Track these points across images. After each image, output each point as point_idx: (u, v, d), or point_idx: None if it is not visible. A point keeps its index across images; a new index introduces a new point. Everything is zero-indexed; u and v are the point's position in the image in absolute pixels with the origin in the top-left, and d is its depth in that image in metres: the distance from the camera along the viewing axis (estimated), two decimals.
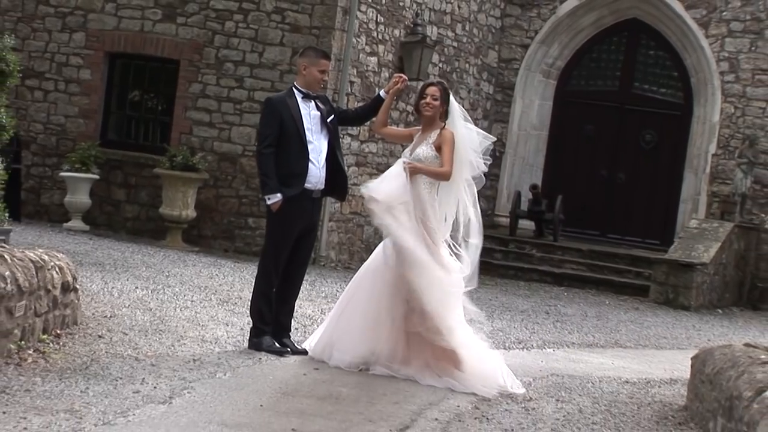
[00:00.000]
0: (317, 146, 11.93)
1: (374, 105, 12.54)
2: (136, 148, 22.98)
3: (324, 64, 12.28)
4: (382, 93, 12.41)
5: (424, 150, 11.82)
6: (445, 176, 11.72)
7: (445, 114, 11.89)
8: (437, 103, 11.85)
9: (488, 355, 11.98)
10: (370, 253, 12.31)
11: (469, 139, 11.97)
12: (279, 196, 11.73)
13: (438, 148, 11.78)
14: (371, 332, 11.54)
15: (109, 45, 23.13)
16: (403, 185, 11.60)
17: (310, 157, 11.85)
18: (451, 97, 12.07)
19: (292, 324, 12.42)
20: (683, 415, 11.17)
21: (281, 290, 12.02)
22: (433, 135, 11.85)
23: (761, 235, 25.53)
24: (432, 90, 11.93)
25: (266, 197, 11.92)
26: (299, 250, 12.05)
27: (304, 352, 11.84)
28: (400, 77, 12.44)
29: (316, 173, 11.91)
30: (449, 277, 11.71)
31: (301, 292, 12.59)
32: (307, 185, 11.84)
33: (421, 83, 13.16)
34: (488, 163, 12.25)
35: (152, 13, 22.78)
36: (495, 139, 12.87)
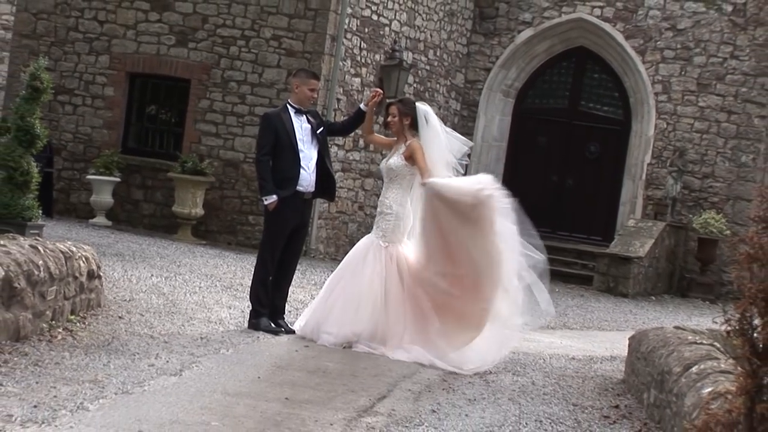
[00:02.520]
0: (308, 154, 11.96)
1: (356, 117, 12.67)
2: (153, 154, 22.97)
3: (313, 83, 12.32)
4: (362, 106, 12.47)
5: (395, 160, 11.90)
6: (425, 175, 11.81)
7: (414, 125, 11.93)
8: (396, 119, 11.95)
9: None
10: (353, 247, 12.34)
11: (436, 144, 11.94)
12: (274, 197, 11.78)
13: (407, 158, 11.82)
14: (354, 315, 11.56)
15: (129, 66, 23.10)
16: None
17: (302, 163, 11.88)
18: (420, 109, 12.02)
19: (286, 307, 12.43)
20: (621, 387, 11.20)
21: (276, 278, 12.04)
22: (403, 147, 11.90)
23: (688, 233, 25.59)
24: (392, 109, 12.11)
25: (263, 198, 11.97)
26: (292, 244, 12.07)
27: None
28: (377, 91, 12.56)
29: (307, 178, 11.94)
30: None
31: (293, 279, 12.60)
32: (299, 188, 11.88)
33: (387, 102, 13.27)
34: (464, 163, 12.28)
35: (167, 39, 22.75)
36: (472, 144, 12.91)
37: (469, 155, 12.68)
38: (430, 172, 11.76)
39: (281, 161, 11.89)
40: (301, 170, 11.89)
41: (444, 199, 11.62)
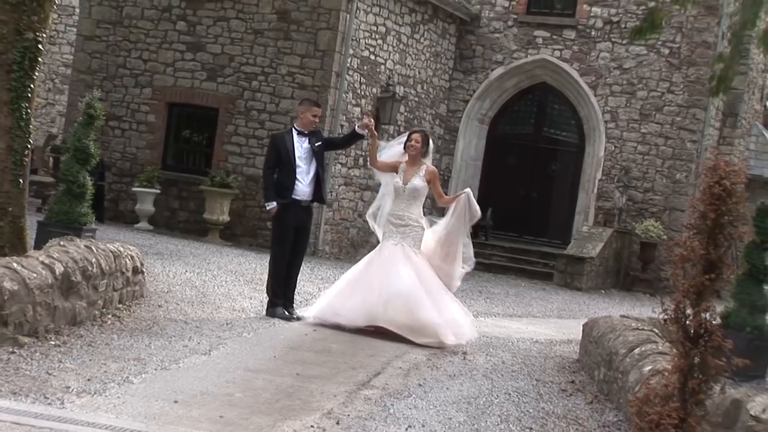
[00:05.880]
0: (304, 169, 12.07)
1: (351, 136, 12.82)
2: (187, 170, 22.95)
3: (315, 110, 12.41)
4: (357, 128, 12.47)
5: (419, 182, 11.92)
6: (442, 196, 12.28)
7: (425, 153, 12.04)
8: (419, 145, 11.98)
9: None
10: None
11: None
12: (274, 203, 12.00)
13: (429, 181, 11.90)
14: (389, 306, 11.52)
15: (168, 97, 23.10)
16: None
17: (298, 177, 12.00)
18: (430, 140, 12.24)
19: (297, 298, 12.43)
20: (576, 366, 11.21)
21: (287, 273, 12.06)
22: (422, 170, 11.93)
23: (632, 238, 25.57)
24: (415, 136, 12.20)
25: (266, 204, 12.14)
26: (297, 243, 12.13)
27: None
28: (369, 124, 12.36)
29: (303, 188, 12.04)
30: None
31: (303, 275, 12.65)
32: (295, 196, 11.99)
33: (409, 130, 13.25)
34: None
35: (199, 75, 22.75)
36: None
37: (442, 177, 12.90)
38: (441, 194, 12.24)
39: (282, 174, 12.06)
40: (297, 182, 11.99)
41: (471, 206, 12.00)
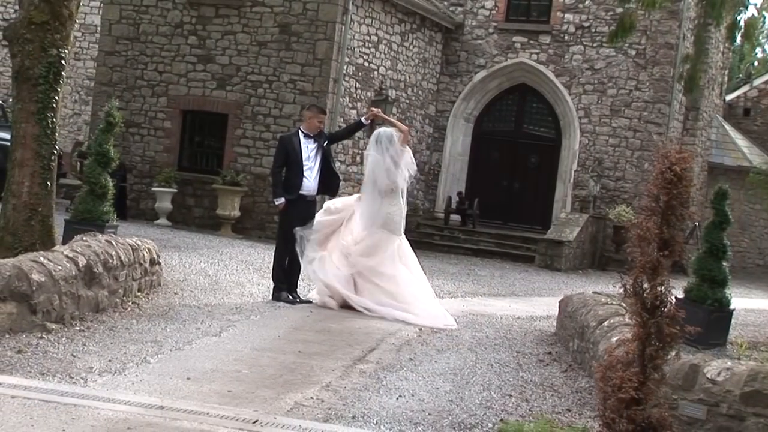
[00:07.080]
0: (311, 167, 12.06)
1: (355, 126, 13.29)
2: (201, 171, 22.97)
3: (321, 117, 12.48)
4: (363, 119, 12.63)
5: None
6: None
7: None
8: None
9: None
10: None
11: (373, 163, 12.01)
12: (282, 199, 12.01)
13: None
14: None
15: (182, 105, 23.11)
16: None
17: (305, 174, 12.00)
18: (375, 133, 12.16)
19: (300, 284, 12.45)
20: (553, 338, 11.24)
21: (290, 261, 12.08)
22: None
23: (606, 222, 25.60)
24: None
25: (274, 200, 12.21)
26: None
27: (308, 302, 11.88)
28: (373, 110, 12.67)
29: (309, 185, 12.04)
30: None
31: None
32: (302, 192, 12.00)
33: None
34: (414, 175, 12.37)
35: (210, 84, 22.76)
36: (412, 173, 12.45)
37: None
38: None
39: (290, 172, 12.02)
40: (304, 179, 11.99)
41: None
